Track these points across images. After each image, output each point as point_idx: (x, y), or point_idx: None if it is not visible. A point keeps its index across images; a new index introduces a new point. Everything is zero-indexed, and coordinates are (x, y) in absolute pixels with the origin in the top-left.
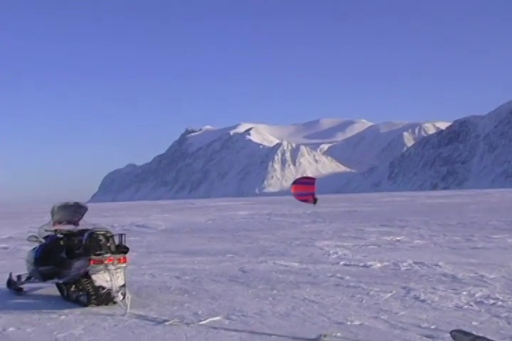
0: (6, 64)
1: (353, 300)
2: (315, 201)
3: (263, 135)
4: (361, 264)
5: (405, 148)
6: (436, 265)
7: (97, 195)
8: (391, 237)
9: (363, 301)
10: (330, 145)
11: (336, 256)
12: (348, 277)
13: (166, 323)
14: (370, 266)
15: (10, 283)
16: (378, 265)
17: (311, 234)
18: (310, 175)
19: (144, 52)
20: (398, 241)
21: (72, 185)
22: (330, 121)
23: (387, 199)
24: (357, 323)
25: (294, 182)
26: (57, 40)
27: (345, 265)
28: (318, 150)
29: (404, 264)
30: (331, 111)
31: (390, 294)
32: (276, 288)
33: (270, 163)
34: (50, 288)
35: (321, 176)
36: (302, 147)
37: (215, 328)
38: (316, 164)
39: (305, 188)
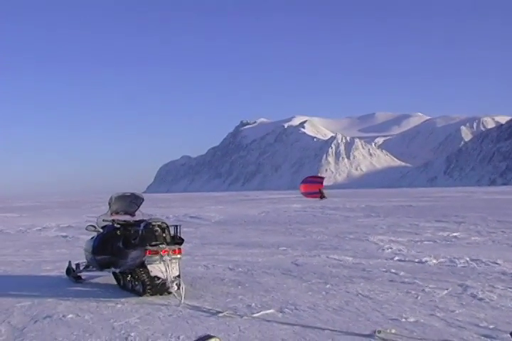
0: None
1: (408, 297)
2: (322, 196)
3: (317, 128)
4: (416, 260)
5: (463, 143)
6: (495, 262)
7: (152, 186)
8: (447, 233)
9: (418, 298)
10: (385, 138)
11: (390, 251)
12: (402, 273)
13: (220, 315)
14: (426, 262)
15: (69, 271)
16: (434, 261)
17: (365, 229)
18: (361, 169)
19: (200, 45)
20: (454, 237)
21: (129, 175)
22: (385, 114)
23: (443, 194)
24: (412, 320)
25: (303, 182)
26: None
27: (400, 260)
28: (373, 143)
29: (460, 261)
30: (386, 105)
31: (446, 291)
32: (329, 282)
33: (324, 156)
34: (107, 277)
35: (375, 170)
36: (357, 140)
37: (268, 321)
38: (371, 158)
39: (313, 187)
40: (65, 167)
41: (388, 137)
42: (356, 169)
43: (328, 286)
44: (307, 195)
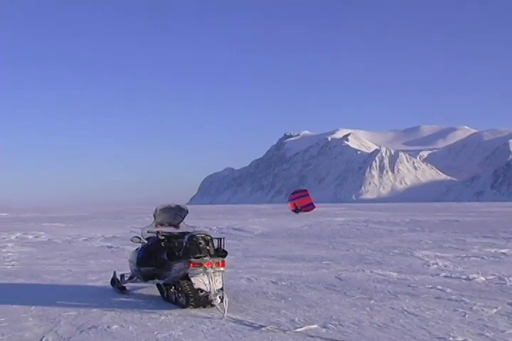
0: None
1: (455, 315)
2: (297, 210)
3: (361, 141)
4: (463, 277)
5: (511, 156)
6: None
7: (195, 197)
8: (495, 249)
9: (466, 316)
10: (430, 152)
11: (436, 267)
12: (449, 290)
13: (263, 329)
14: (473, 279)
15: (114, 281)
16: (482, 278)
17: (410, 243)
18: (406, 182)
19: (243, 57)
20: (503, 253)
21: (173, 187)
22: (431, 127)
23: (490, 209)
24: (460, 339)
25: (290, 200)
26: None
27: (446, 277)
28: (418, 157)
29: (510, 279)
30: (432, 118)
31: (495, 310)
32: (373, 298)
33: (368, 170)
34: (150, 288)
35: (420, 184)
36: (401, 154)
37: (312, 336)
38: (415, 171)
39: (304, 201)
40: (110, 178)
41: (434, 150)
42: (400, 182)
43: (372, 302)
44: (303, 208)
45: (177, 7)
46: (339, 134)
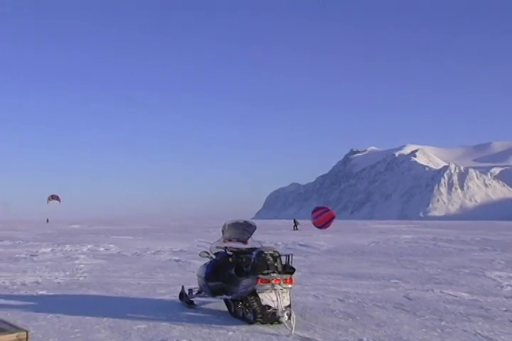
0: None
1: None
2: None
3: (429, 157)
4: None
5: None
6: None
7: (261, 212)
8: None
9: None
10: (502, 169)
11: (510, 288)
12: None
13: None
14: None
15: (182, 295)
16: None
17: (481, 263)
18: (475, 200)
19: (310, 72)
20: None
21: (239, 201)
22: (502, 143)
23: None
24: None
25: (314, 218)
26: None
27: None
28: (489, 174)
29: None
30: (503, 134)
31: None
32: (444, 319)
33: (436, 186)
34: (218, 303)
35: (490, 201)
36: (471, 170)
37: None
38: (486, 188)
39: (325, 218)
40: (177, 192)
41: (505, 167)
42: (470, 200)
43: (443, 323)
44: (325, 226)
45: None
46: (407, 150)
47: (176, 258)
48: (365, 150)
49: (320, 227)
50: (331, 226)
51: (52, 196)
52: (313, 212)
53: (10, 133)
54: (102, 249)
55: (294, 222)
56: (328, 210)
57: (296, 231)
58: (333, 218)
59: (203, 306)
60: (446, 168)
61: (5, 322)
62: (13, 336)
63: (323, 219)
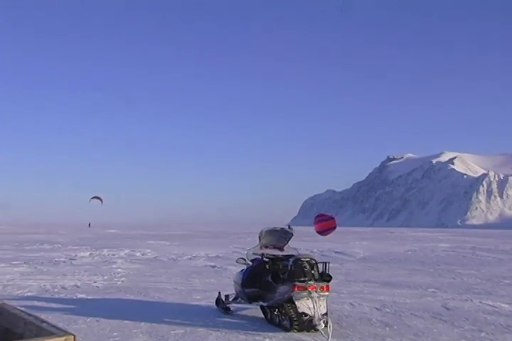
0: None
1: None
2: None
3: (468, 164)
4: None
5: None
6: None
7: (296, 219)
8: None
9: None
10: None
11: None
12: None
13: None
14: None
15: (218, 301)
16: None
17: None
18: None
19: (348, 88)
20: None
21: (274, 207)
22: None
23: None
24: None
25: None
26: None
27: None
28: None
29: None
30: None
31: None
32: (484, 331)
33: (474, 194)
34: (254, 310)
35: None
36: (511, 178)
37: None
38: None
39: (328, 225)
40: (211, 197)
41: None
42: (510, 209)
43: (483, 335)
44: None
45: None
46: (444, 157)
47: (212, 263)
48: (401, 157)
49: (320, 232)
50: (330, 234)
51: (95, 196)
52: (317, 216)
53: (48, 136)
54: (138, 254)
55: (289, 227)
56: (333, 218)
57: (331, 238)
58: (334, 227)
59: (239, 312)
60: (485, 175)
61: (53, 326)
62: (61, 340)
63: (326, 225)
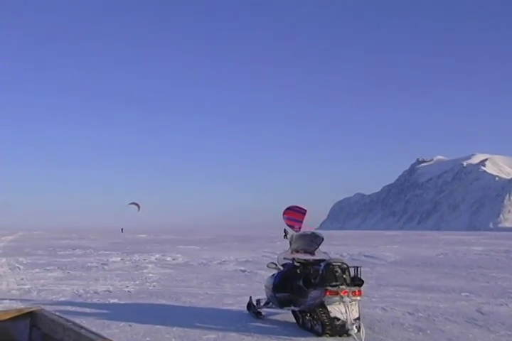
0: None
1: None
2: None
3: (499, 166)
4: None
5: None
6: None
7: (325, 222)
8: None
9: None
10: None
11: None
12: None
13: None
14: None
15: (250, 306)
16: None
17: None
18: None
19: (378, 91)
20: None
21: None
22: None
23: None
24: None
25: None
26: None
27: None
28: None
29: None
30: None
31: None
32: None
33: (507, 197)
34: (285, 315)
35: None
36: None
37: None
38: None
39: (295, 215)
40: (240, 200)
41: None
42: None
43: None
44: (288, 220)
45: None
46: (475, 159)
47: (242, 268)
48: (431, 160)
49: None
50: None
51: (134, 202)
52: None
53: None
54: (169, 259)
55: (285, 231)
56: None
57: (361, 242)
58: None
59: (270, 317)
60: None
61: (91, 332)
62: None
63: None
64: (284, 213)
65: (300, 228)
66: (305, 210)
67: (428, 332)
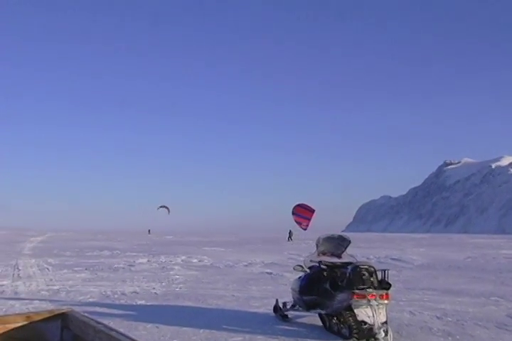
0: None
1: None
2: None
3: None
4: None
5: None
6: None
7: (351, 225)
8: None
9: None
10: None
11: None
12: None
13: None
14: None
15: (276, 309)
16: None
17: None
18: None
19: (405, 93)
20: None
21: (329, 214)
22: None
23: None
24: None
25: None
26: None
27: None
28: None
29: None
30: None
31: None
32: None
33: None
34: (312, 317)
35: None
36: None
37: None
38: None
39: (304, 212)
40: (258, 201)
41: None
42: None
43: None
44: (296, 216)
45: None
46: (504, 161)
47: (268, 270)
48: (459, 162)
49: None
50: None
51: (163, 206)
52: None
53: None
54: (195, 261)
55: (289, 233)
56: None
57: (388, 245)
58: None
59: (297, 320)
60: None
61: (122, 334)
62: None
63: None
64: (293, 209)
65: (307, 225)
66: (313, 209)
67: (457, 337)
